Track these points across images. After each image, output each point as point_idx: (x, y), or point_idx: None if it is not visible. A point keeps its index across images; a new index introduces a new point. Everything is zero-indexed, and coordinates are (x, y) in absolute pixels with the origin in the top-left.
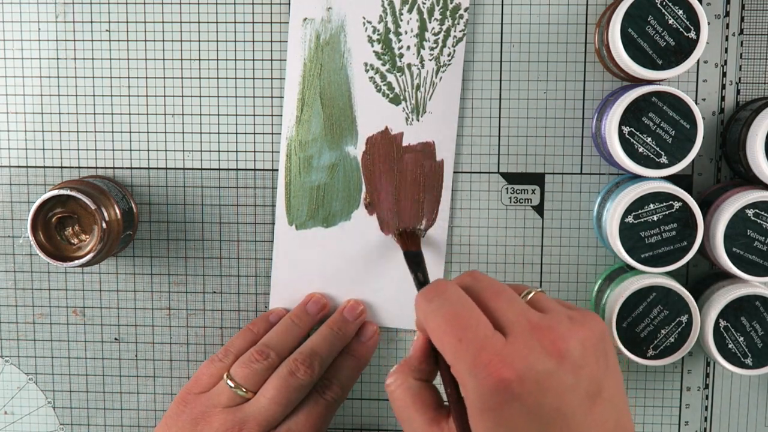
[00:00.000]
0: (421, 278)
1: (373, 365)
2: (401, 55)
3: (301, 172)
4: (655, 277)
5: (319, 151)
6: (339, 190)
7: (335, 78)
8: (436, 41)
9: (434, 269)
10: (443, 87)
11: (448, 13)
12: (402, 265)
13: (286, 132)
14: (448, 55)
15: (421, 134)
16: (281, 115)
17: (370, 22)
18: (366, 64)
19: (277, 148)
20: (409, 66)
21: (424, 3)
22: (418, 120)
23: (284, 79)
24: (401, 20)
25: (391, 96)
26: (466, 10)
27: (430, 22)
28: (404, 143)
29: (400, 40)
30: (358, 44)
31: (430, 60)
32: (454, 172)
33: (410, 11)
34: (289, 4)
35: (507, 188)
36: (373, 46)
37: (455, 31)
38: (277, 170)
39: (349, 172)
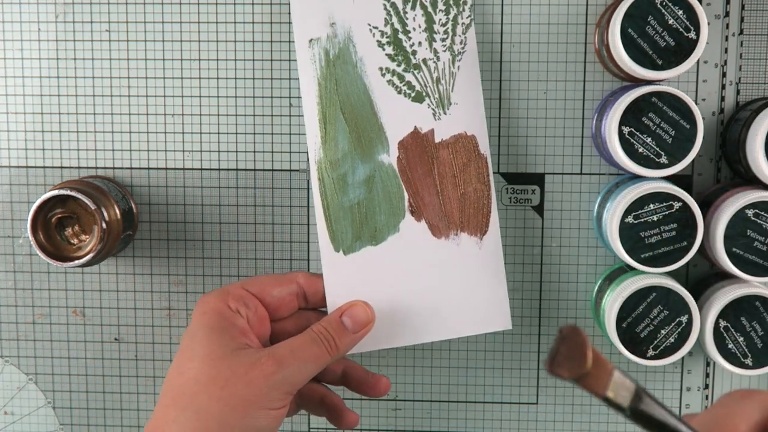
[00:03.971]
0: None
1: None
2: (414, 53)
3: (337, 193)
4: (655, 277)
5: (352, 167)
6: (380, 202)
7: (353, 89)
8: (445, 32)
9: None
10: (462, 75)
11: (451, 1)
12: (465, 266)
13: (313, 156)
14: (461, 43)
15: (452, 127)
16: (280, 115)
17: (376, 27)
18: (381, 69)
19: (277, 149)
20: (424, 61)
21: None
22: (445, 113)
23: (283, 79)
24: (407, 18)
25: (413, 95)
26: None
27: (435, 14)
28: (437, 139)
29: (410, 38)
30: (369, 51)
31: (444, 51)
32: None
33: (413, 8)
34: (290, 23)
35: (507, 188)
36: (384, 49)
37: (462, 18)
38: (278, 170)
39: (387, 182)
